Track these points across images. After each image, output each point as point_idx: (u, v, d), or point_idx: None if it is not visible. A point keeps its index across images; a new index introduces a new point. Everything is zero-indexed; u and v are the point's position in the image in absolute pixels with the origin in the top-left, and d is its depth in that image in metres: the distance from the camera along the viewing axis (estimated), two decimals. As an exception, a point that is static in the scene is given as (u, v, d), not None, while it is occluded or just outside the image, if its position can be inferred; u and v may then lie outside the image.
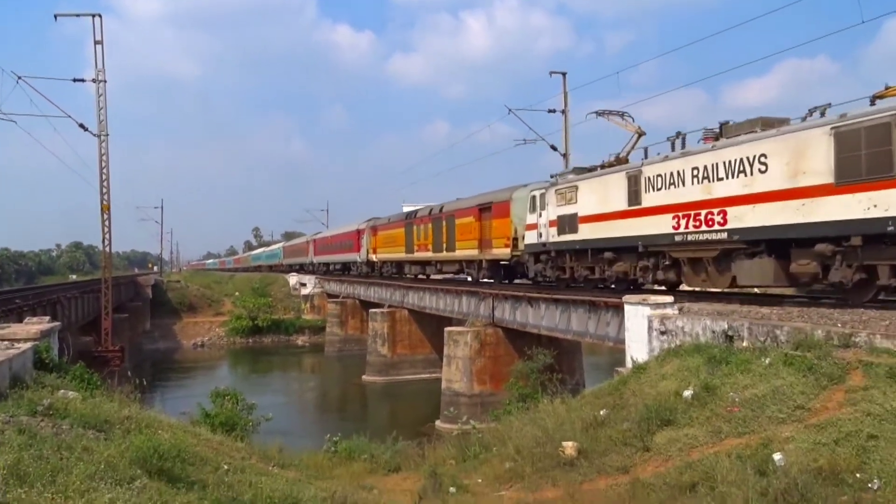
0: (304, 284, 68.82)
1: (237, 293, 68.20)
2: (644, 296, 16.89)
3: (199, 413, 15.89)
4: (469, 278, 34.57)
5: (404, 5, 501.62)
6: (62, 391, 10.36)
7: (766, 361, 11.24)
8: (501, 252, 28.62)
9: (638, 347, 16.06)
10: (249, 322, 61.66)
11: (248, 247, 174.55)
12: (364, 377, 42.17)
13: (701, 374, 12.10)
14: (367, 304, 49.34)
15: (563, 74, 34.06)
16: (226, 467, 9.39)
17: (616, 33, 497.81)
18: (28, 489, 5.34)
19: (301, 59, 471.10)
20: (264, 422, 17.87)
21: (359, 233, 51.67)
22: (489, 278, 31.94)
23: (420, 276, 41.96)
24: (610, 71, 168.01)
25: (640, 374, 14.11)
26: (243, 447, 12.80)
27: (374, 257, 48.23)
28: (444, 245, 34.66)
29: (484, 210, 30.50)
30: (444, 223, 34.86)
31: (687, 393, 11.54)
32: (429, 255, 37.08)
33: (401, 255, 41.86)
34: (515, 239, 27.16)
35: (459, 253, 33.03)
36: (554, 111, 34.23)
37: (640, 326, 16.13)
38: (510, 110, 34.43)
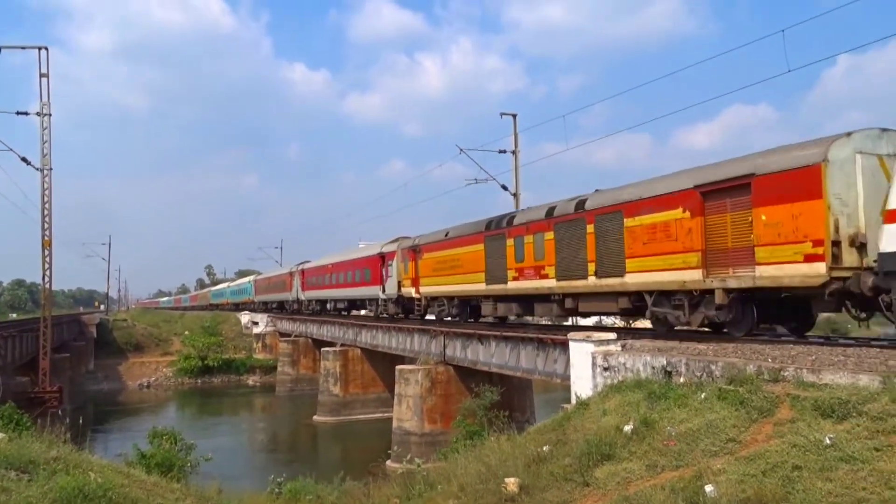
0: (256, 323, 67.79)
1: (187, 332, 66.81)
2: (588, 333, 17.12)
3: (134, 454, 15.45)
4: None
5: (360, 45, 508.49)
6: (-13, 432, 10.01)
7: (702, 396, 11.47)
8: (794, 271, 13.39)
9: (582, 383, 16.20)
10: (199, 362, 60.31)
11: (201, 284, 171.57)
12: (315, 417, 41.51)
13: (641, 408, 12.27)
14: (319, 343, 48.79)
15: (514, 116, 34.74)
16: (157, 508, 9.15)
17: (567, 76, 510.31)
18: (-66, 531, 5.14)
19: (256, 95, 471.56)
20: (204, 462, 17.45)
21: (383, 258, 36.14)
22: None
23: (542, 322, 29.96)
24: (563, 112, 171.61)
25: (584, 409, 14.21)
26: (179, 488, 12.47)
27: (412, 291, 31.91)
28: (596, 266, 19.01)
29: (724, 192, 15.08)
30: (594, 227, 19.08)
31: (627, 428, 11.67)
32: (550, 283, 21.03)
33: (477, 286, 25.55)
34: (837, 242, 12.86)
35: (637, 278, 17.55)
36: (504, 151, 34.83)
37: (584, 363, 16.29)
38: (461, 150, 34.92)
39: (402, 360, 33.27)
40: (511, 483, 11.58)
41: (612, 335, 16.57)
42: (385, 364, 38.45)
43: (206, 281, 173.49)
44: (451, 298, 28.97)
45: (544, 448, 12.85)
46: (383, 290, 35.97)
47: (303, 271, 54.61)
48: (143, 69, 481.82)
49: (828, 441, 8.42)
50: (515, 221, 23.28)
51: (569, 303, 20.53)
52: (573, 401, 16.07)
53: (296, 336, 55.81)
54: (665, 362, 13.63)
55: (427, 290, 30.65)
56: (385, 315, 37.27)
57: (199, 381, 60.40)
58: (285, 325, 60.82)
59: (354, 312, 47.74)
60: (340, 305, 46.65)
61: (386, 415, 36.25)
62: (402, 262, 32.93)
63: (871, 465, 7.82)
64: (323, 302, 50.50)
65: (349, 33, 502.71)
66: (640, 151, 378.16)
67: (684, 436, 10.53)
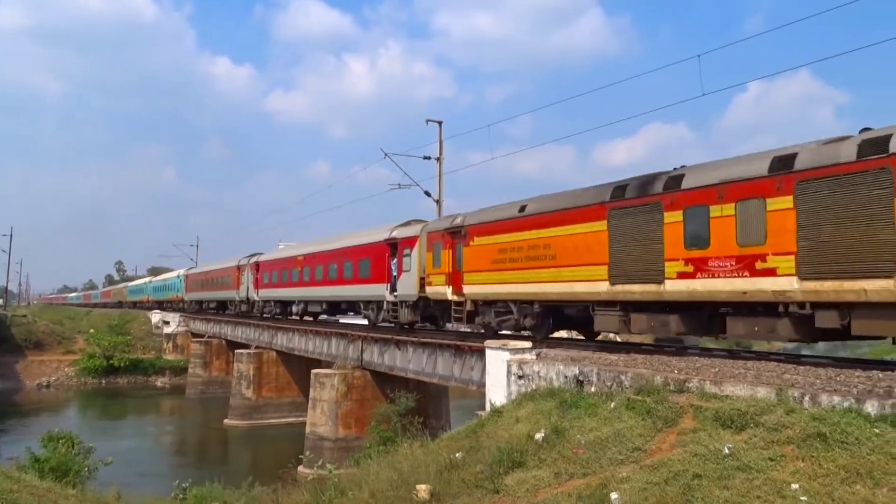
0: (167, 322, 65.64)
1: (92, 330, 64.02)
2: (504, 341, 17.30)
3: (27, 458, 14.65)
4: None
5: (286, 42, 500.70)
6: None
7: (612, 405, 11.76)
8: None
9: (497, 391, 16.35)
10: (104, 361, 57.83)
11: (110, 281, 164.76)
12: (226, 421, 40.45)
13: (552, 417, 12.47)
14: (233, 345, 47.63)
15: (439, 123, 34.86)
16: (48, 516, 8.67)
17: (495, 86, 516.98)
18: None
19: (177, 88, 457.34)
20: (104, 466, 16.70)
21: (393, 246, 26.56)
22: None
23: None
24: (489, 121, 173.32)
25: (497, 417, 14.35)
26: (74, 494, 11.90)
27: (447, 291, 22.40)
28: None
29: None
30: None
31: (538, 436, 11.84)
32: (783, 283, 12.38)
33: (587, 286, 16.93)
34: None
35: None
36: (429, 158, 34.90)
37: (499, 371, 16.45)
38: (386, 154, 34.77)
39: (318, 363, 32.80)
40: (422, 490, 11.56)
41: (528, 344, 16.80)
42: (301, 368, 37.85)
43: (116, 277, 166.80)
44: (525, 303, 19.36)
45: (457, 455, 12.89)
46: (392, 290, 26.31)
47: (257, 265, 43.28)
48: (57, 53, 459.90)
49: (726, 450, 8.76)
50: (688, 183, 14.44)
51: (826, 317, 11.87)
52: (487, 408, 16.22)
53: (209, 337, 54.31)
54: (577, 371, 13.91)
55: (477, 290, 20.96)
56: (392, 323, 27.51)
57: (104, 381, 57.96)
58: (198, 326, 59.11)
59: (344, 319, 39.53)
60: (315, 308, 36.42)
61: (300, 419, 35.61)
62: (431, 250, 23.35)
63: (765, 473, 8.17)
64: (286, 303, 39.95)
65: (275, 30, 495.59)
66: (563, 163, 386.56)
67: (593, 444, 10.76)
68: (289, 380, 40.51)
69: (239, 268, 46.92)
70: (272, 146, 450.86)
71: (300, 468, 25.94)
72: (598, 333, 19.24)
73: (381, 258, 27.05)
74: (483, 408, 17.40)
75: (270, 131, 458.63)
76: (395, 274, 25.92)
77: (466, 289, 21.50)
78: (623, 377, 12.54)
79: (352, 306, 33.09)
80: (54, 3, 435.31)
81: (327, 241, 34.57)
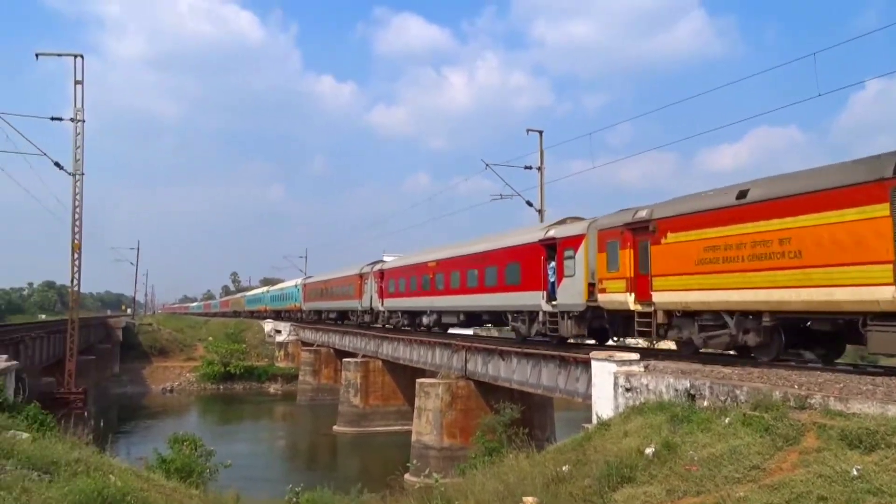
0: (279, 331, 68.20)
1: (210, 338, 67.41)
2: (611, 352, 16.96)
3: (154, 458, 15.56)
4: None
5: (387, 58, 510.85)
6: (12, 431, 10.16)
7: (726, 421, 11.28)
8: None
9: (603, 404, 16.04)
10: (221, 368, 60.79)
11: (226, 291, 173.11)
12: (335, 427, 41.54)
13: (663, 431, 12.09)
14: (341, 354, 48.89)
15: (540, 133, 34.73)
16: (174, 514, 9.18)
17: (593, 94, 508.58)
18: (-45, 529, 5.20)
19: (284, 106, 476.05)
20: (223, 469, 17.50)
21: (551, 247, 22.94)
22: None
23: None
24: (588, 130, 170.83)
25: (605, 430, 14.06)
26: (197, 494, 12.53)
27: (629, 299, 18.87)
28: None
29: None
30: None
31: (648, 450, 11.51)
32: None
33: (874, 291, 12.42)
34: None
35: None
36: (530, 167, 34.79)
37: (606, 383, 16.14)
38: (487, 165, 34.93)
39: (423, 373, 33.21)
40: (529, 502, 11.46)
41: (635, 356, 16.39)
42: (406, 377, 38.42)
43: (231, 288, 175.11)
44: (747, 314, 15.71)
45: (564, 468, 12.72)
46: (550, 298, 22.49)
47: (382, 272, 40.17)
48: (173, 78, 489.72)
49: (855, 472, 8.22)
50: None
51: None
52: (594, 421, 15.92)
53: (318, 345, 55.99)
54: (689, 385, 13.44)
55: (673, 297, 17.29)
56: (547, 338, 24.01)
57: (222, 387, 60.81)
58: (308, 335, 61.07)
59: (483, 333, 40.81)
60: (450, 320, 32.60)
61: (405, 428, 36.14)
62: (604, 250, 19.88)
63: (899, 498, 7.62)
64: (415, 314, 36.82)
65: (376, 46, 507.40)
66: (666, 170, 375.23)
67: (707, 461, 10.34)
68: (394, 388, 41.18)
69: (361, 276, 43.82)
70: (373, 160, 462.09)
71: (407, 476, 26.32)
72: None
73: (535, 261, 23.13)
74: (589, 420, 17.11)
75: (372, 145, 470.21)
76: (552, 280, 22.22)
77: (657, 296, 17.65)
78: (738, 391, 12.02)
79: (495, 317, 29.34)
80: (170, 32, 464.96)
81: (465, 245, 31.01)
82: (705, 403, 12.72)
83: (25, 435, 10.08)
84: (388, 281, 39.46)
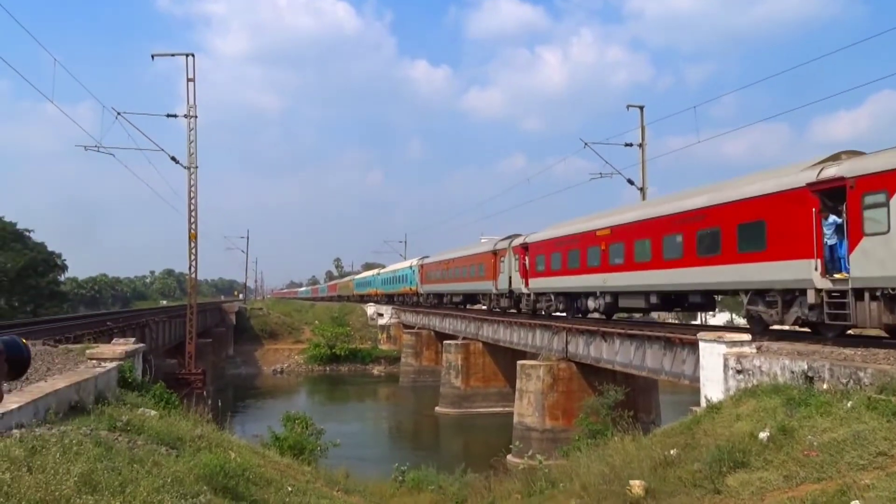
0: (381, 315, 69.70)
1: (316, 322, 69.71)
2: (720, 333, 16.38)
3: (269, 436, 16.30)
4: None
5: (480, 41, 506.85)
6: (142, 409, 10.87)
7: (848, 405, 10.71)
8: None
9: (713, 386, 15.54)
10: (327, 350, 62.82)
11: (329, 276, 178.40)
12: (437, 408, 42.18)
13: (778, 415, 11.61)
14: (442, 336, 49.49)
15: (641, 108, 33.76)
16: (289, 489, 9.59)
17: (695, 66, 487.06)
18: (98, 497, 5.62)
19: (380, 93, 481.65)
20: (332, 447, 18.13)
21: (826, 195, 15.36)
22: None
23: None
24: (689, 104, 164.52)
25: (714, 413, 13.64)
26: (310, 471, 13.05)
27: None
28: None
29: None
30: None
31: (762, 435, 11.09)
32: None
33: None
34: None
35: None
36: (631, 145, 33.91)
37: (715, 365, 15.62)
38: (585, 144, 34.28)
39: (523, 355, 33.16)
40: (636, 486, 11.30)
41: (747, 336, 15.77)
42: (507, 359, 38.48)
43: (335, 273, 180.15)
44: None
45: (672, 451, 12.44)
46: (829, 270, 15.12)
47: (526, 246, 32.72)
48: (275, 72, 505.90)
49: None
50: None
51: None
52: (702, 404, 15.49)
53: (419, 328, 56.90)
54: (806, 367, 12.83)
55: None
56: (810, 326, 17.10)
57: (328, 368, 62.87)
58: (409, 318, 62.15)
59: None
60: (633, 303, 24.96)
61: (506, 409, 36.27)
62: None
63: None
64: (573, 296, 29.17)
65: (469, 29, 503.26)
66: (775, 142, 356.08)
67: (827, 446, 9.86)
68: (495, 370, 41.37)
69: (495, 253, 37.09)
70: (469, 143, 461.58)
71: (509, 457, 26.50)
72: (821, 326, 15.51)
73: (797, 219, 15.83)
74: (696, 403, 16.67)
75: (467, 128, 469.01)
76: (831, 242, 15.21)
77: None
78: (861, 374, 11.37)
79: (708, 298, 22.65)
80: (271, 28, 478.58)
81: (659, 203, 24.53)
82: (825, 386, 12.11)
83: (153, 412, 10.77)
84: (534, 257, 31.73)
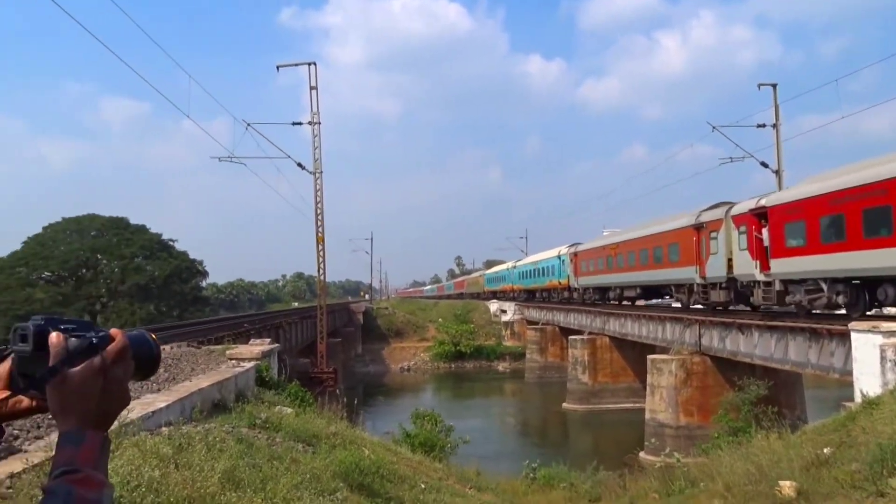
0: (504, 311, 69.56)
1: (440, 319, 70.52)
2: (875, 322, 15.07)
3: (400, 433, 16.52)
4: None
5: (593, 31, 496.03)
6: (279, 407, 11.26)
7: None
8: None
9: (868, 380, 14.32)
10: (452, 348, 63.36)
11: (451, 275, 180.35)
12: (564, 405, 41.57)
13: (948, 411, 10.52)
14: (566, 331, 48.76)
15: (773, 86, 31.77)
16: (423, 486, 9.62)
17: (829, 39, 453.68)
18: (240, 494, 5.80)
19: (495, 91, 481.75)
20: (462, 444, 18.16)
21: None
22: None
23: None
24: (823, 81, 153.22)
25: (872, 409, 12.55)
26: (441, 468, 13.09)
27: None
28: None
29: None
30: None
31: (931, 433, 10.07)
32: None
33: None
34: None
35: None
36: (763, 126, 31.94)
37: (870, 357, 14.39)
38: (714, 127, 32.65)
39: (652, 349, 32.07)
40: (787, 487, 10.57)
41: (906, 325, 14.44)
42: (635, 353, 37.37)
43: (456, 271, 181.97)
44: None
45: (825, 450, 11.56)
46: None
47: (761, 213, 22.60)
48: (392, 77, 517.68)
49: None
50: None
51: None
52: (857, 399, 14.30)
53: (543, 324, 56.35)
54: (980, 357, 11.56)
55: None
56: None
57: (453, 365, 63.40)
58: (532, 314, 61.69)
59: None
60: None
61: (636, 405, 35.21)
62: None
63: None
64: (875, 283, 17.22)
65: (581, 19, 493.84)
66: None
67: None
68: (623, 365, 40.25)
69: (700, 227, 27.49)
70: (587, 135, 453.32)
71: (642, 454, 25.70)
72: None
73: None
74: (847, 398, 15.46)
75: (584, 121, 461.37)
76: None
77: None
78: None
79: None
80: (385, 34, 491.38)
81: None
82: None
83: (289, 410, 11.14)
84: (775, 227, 21.44)
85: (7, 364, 1.25)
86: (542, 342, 54.68)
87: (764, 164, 31.79)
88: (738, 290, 24.85)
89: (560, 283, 50.74)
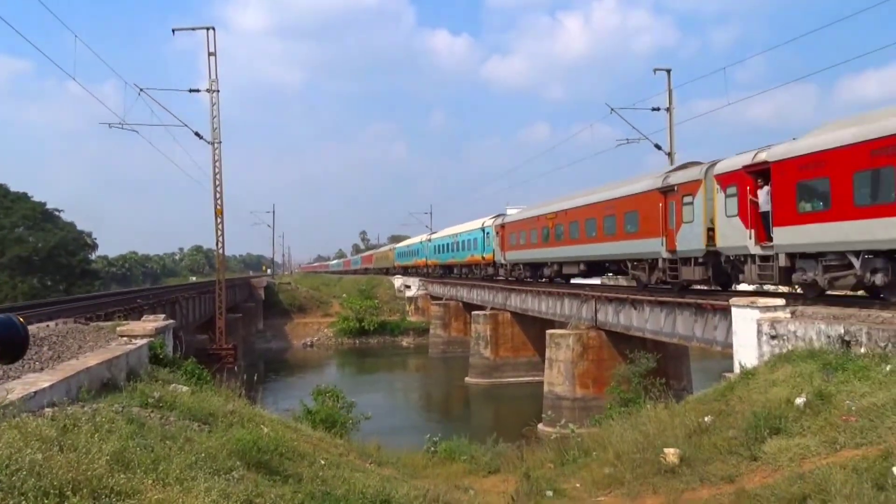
0: (408, 287, 69.89)
1: (344, 295, 70.11)
2: (753, 298, 16.08)
3: (301, 410, 16.42)
4: None
5: (500, 8, 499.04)
6: (173, 385, 10.95)
7: (888, 368, 10.49)
8: None
9: (746, 352, 15.30)
10: (356, 323, 63.20)
11: (356, 249, 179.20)
12: (467, 379, 42.35)
13: (815, 380, 11.40)
14: (469, 307, 49.51)
15: (668, 71, 33.07)
16: (322, 462, 9.62)
17: (721, 29, 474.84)
18: (130, 475, 5.63)
19: (401, 64, 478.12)
20: (364, 420, 18.23)
21: None
22: None
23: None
24: (715, 68, 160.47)
25: (749, 379, 13.44)
26: (342, 444, 13.12)
27: None
28: None
29: None
30: None
31: (799, 400, 10.89)
32: None
33: None
34: None
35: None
36: (658, 109, 33.31)
37: (748, 330, 15.36)
38: (612, 109, 33.74)
39: (552, 324, 33.04)
40: (671, 454, 11.20)
41: (780, 301, 15.47)
42: (535, 328, 38.41)
43: (361, 246, 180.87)
44: None
45: (706, 419, 12.30)
46: None
47: (759, 171, 17.86)
48: (295, 46, 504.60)
49: None
50: None
51: None
52: (736, 370, 15.29)
53: (447, 299, 56.97)
54: (843, 331, 12.56)
55: None
56: None
57: (357, 341, 63.30)
58: (436, 289, 62.24)
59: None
60: None
61: (536, 378, 36.27)
62: None
63: None
64: None
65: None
66: (802, 104, 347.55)
67: (867, 411, 9.66)
68: (524, 340, 41.31)
69: (665, 191, 22.74)
70: (491, 112, 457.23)
71: (540, 426, 26.53)
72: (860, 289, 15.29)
73: None
74: (729, 369, 16.49)
75: (489, 98, 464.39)
76: None
77: None
78: (902, 337, 11.02)
79: None
80: (289, 1, 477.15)
81: None
82: (862, 350, 11.87)
83: (185, 388, 10.85)
84: (790, 186, 16.65)
85: None
86: (445, 317, 55.32)
87: (657, 146, 33.12)
88: (720, 265, 20.15)
89: (483, 259, 46.31)
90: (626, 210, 25.78)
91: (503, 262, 41.98)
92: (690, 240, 21.22)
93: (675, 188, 22.20)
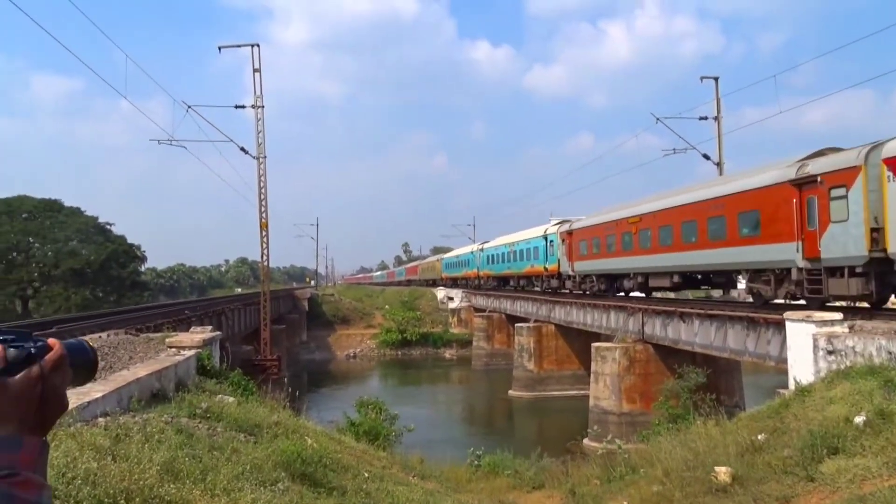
0: (451, 298, 69.74)
1: (387, 306, 70.31)
2: (809, 312, 15.59)
3: (344, 421, 16.43)
4: None
5: (541, 17, 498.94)
6: (220, 396, 11.04)
7: (955, 386, 9.99)
8: None
9: (801, 368, 14.81)
10: (399, 335, 63.29)
11: (398, 261, 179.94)
12: (510, 392, 41.96)
13: (875, 398, 10.96)
14: (513, 319, 49.16)
15: (715, 79, 32.52)
16: (366, 475, 9.58)
17: (768, 33, 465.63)
18: (179, 485, 5.65)
19: (441, 76, 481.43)
20: (407, 432, 18.17)
21: None
22: None
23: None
24: (763, 74, 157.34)
25: (804, 396, 13.00)
26: (385, 456, 13.06)
27: None
28: None
29: None
30: None
31: (858, 419, 10.47)
32: None
33: None
34: None
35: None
36: (705, 118, 32.71)
37: (803, 345, 14.88)
38: (658, 119, 33.27)
39: (597, 337, 32.59)
40: (722, 472, 10.87)
41: (838, 315, 14.96)
42: (580, 341, 37.89)
43: (403, 257, 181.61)
44: None
45: (759, 436, 11.92)
46: None
47: None
48: (337, 58, 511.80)
49: None
50: None
51: None
52: (791, 386, 14.79)
53: (490, 311, 56.70)
54: (905, 347, 12.05)
55: None
56: None
57: (400, 353, 63.35)
58: (479, 301, 62.00)
59: None
60: None
61: (581, 392, 35.76)
62: None
63: None
64: None
65: (529, 6, 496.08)
66: (858, 110, 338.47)
67: (932, 431, 9.23)
68: (568, 353, 40.80)
69: (800, 184, 18.35)
70: (533, 122, 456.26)
71: (586, 441, 26.12)
72: None
73: None
74: (783, 386, 15.99)
75: (531, 108, 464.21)
76: None
77: None
78: (969, 354, 10.51)
79: None
80: (329, 16, 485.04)
81: None
82: (927, 367, 11.36)
83: (231, 399, 10.93)
84: None
85: None
86: (488, 329, 55.00)
87: (706, 156, 32.54)
88: (889, 275, 15.75)
89: (546, 270, 41.22)
90: (741, 209, 21.26)
91: (570, 273, 37.18)
92: (844, 244, 16.50)
93: (819, 179, 17.50)
